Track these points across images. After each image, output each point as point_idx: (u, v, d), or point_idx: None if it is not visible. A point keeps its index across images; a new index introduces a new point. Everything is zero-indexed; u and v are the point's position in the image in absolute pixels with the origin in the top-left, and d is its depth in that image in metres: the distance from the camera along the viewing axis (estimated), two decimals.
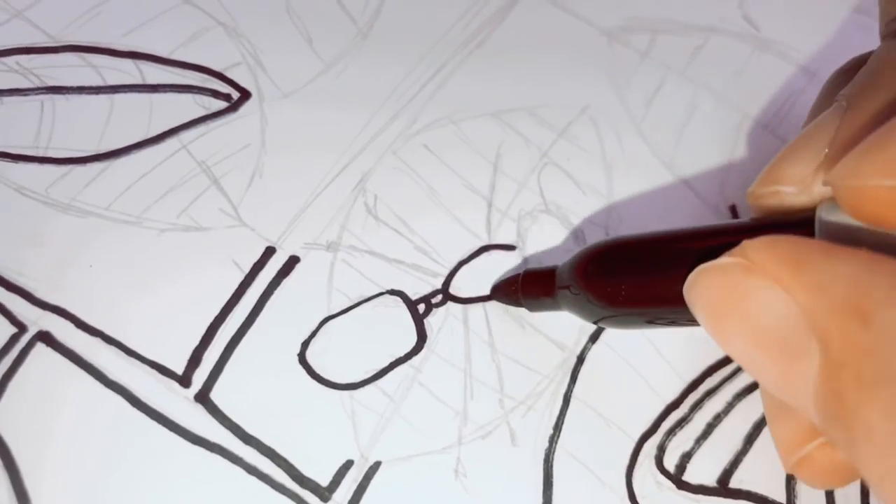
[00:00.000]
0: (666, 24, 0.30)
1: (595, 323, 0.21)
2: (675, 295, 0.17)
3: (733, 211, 0.27)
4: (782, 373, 0.15)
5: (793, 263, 0.15)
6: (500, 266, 0.25)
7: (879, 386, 0.13)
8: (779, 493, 0.24)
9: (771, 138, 0.29)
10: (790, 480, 0.24)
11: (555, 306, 0.22)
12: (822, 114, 0.20)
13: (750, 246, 0.16)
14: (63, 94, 0.25)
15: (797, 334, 0.15)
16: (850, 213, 0.16)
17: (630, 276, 0.20)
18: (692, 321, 0.18)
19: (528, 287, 0.23)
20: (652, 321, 0.20)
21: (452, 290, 0.24)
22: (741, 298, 0.16)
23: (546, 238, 0.26)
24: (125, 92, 0.25)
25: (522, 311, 0.24)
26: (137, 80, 0.25)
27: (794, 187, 0.19)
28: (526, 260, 0.25)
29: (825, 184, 0.17)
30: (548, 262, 0.25)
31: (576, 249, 0.25)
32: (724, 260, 0.16)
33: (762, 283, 0.15)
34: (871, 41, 0.30)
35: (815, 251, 0.15)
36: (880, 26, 0.22)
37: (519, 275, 0.23)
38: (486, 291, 0.25)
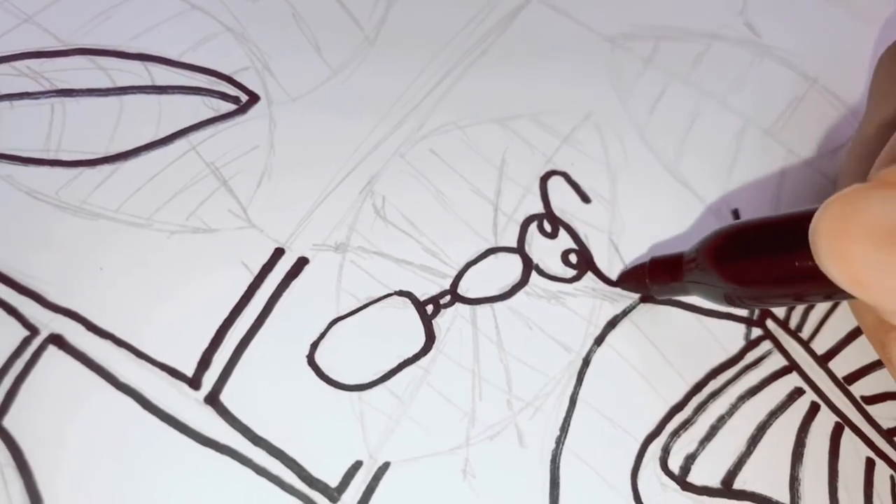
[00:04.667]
0: (668, 31, 0.30)
1: (724, 304, 0.22)
2: (801, 270, 0.19)
3: (736, 215, 0.27)
4: None
5: None
6: (507, 269, 0.25)
7: None
8: (782, 494, 0.24)
9: (772, 144, 0.29)
10: (793, 482, 0.24)
11: (682, 291, 0.24)
12: None
13: (875, 172, 0.16)
14: (73, 96, 0.25)
15: None
16: None
17: (755, 256, 0.21)
18: (818, 295, 0.19)
19: (656, 273, 0.24)
20: (777, 298, 0.22)
21: (460, 291, 0.25)
22: (864, 208, 0.16)
23: (551, 242, 0.26)
24: (134, 93, 0.25)
25: (530, 312, 0.25)
26: (146, 82, 0.25)
27: None
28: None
29: None
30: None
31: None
32: (849, 188, 0.17)
33: (886, 191, 0.16)
34: (870, 48, 0.31)
35: None
36: None
37: (645, 263, 0.25)
38: (494, 293, 0.25)
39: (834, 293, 0.19)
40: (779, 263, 0.20)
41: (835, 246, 0.17)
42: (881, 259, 0.16)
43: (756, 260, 0.21)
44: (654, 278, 0.24)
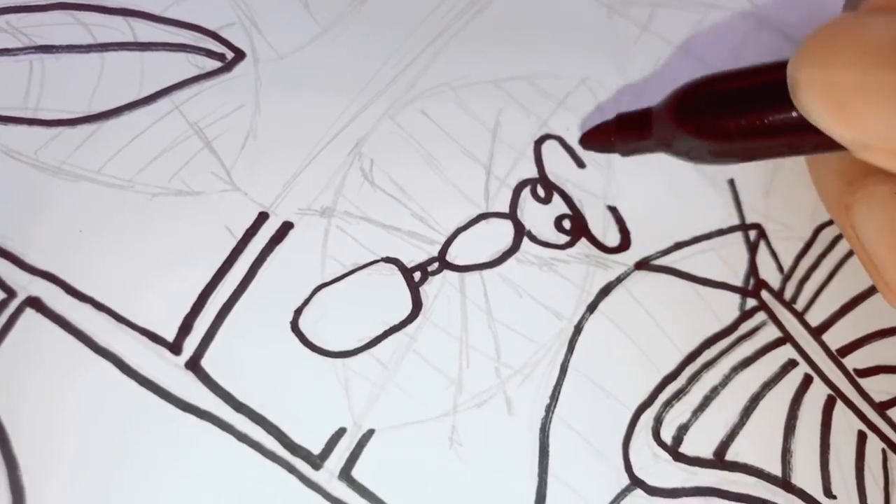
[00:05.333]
0: None
1: (712, 160, 0.22)
2: (777, 123, 0.18)
3: (732, 185, 0.27)
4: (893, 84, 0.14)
5: None
6: (498, 235, 0.25)
7: None
8: (774, 466, 0.24)
9: None
10: (786, 454, 0.24)
11: (651, 148, 0.23)
12: None
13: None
14: (52, 53, 0.24)
15: None
16: None
17: (722, 110, 0.20)
18: (794, 147, 0.18)
19: (623, 130, 0.23)
20: (753, 152, 0.20)
21: (449, 257, 0.24)
22: (852, 31, 0.15)
23: (544, 207, 0.25)
24: (116, 50, 0.24)
25: (520, 279, 0.24)
26: (129, 38, 0.25)
27: None
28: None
29: None
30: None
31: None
32: (832, 19, 0.15)
33: (875, 14, 0.15)
34: None
35: None
36: None
37: (611, 120, 0.24)
38: (484, 260, 0.24)
39: (803, 146, 0.18)
40: (757, 112, 0.19)
41: (817, 74, 0.15)
42: (871, 80, 0.14)
43: (724, 114, 0.20)
44: (622, 136, 0.23)
